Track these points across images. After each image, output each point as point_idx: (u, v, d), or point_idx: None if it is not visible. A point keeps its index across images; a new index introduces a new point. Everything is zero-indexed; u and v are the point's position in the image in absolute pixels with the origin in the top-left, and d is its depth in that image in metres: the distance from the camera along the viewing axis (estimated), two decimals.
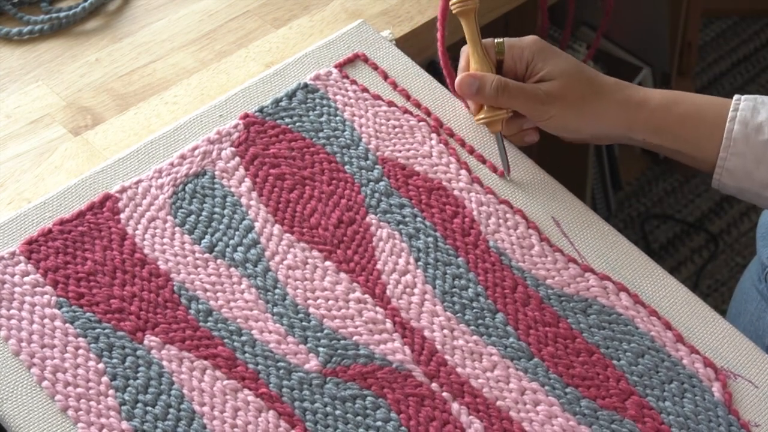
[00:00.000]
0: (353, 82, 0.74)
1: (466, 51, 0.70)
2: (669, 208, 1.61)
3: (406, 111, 0.72)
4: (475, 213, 0.67)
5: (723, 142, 0.64)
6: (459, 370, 0.60)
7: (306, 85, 0.73)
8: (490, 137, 0.72)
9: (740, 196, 0.68)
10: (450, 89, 0.74)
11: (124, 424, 0.57)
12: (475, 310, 0.63)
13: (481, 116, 0.69)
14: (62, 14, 0.83)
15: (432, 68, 0.98)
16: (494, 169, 0.70)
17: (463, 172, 0.69)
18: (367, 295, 0.63)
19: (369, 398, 0.59)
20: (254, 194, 0.68)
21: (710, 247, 1.57)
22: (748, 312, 0.80)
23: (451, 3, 0.68)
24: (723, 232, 1.59)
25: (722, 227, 1.59)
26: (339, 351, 0.61)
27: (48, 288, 0.62)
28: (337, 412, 0.58)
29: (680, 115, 0.65)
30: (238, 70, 0.79)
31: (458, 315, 0.63)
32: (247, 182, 0.68)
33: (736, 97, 0.66)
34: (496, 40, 0.68)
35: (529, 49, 0.67)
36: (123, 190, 0.67)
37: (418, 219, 0.67)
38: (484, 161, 0.70)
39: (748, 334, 0.79)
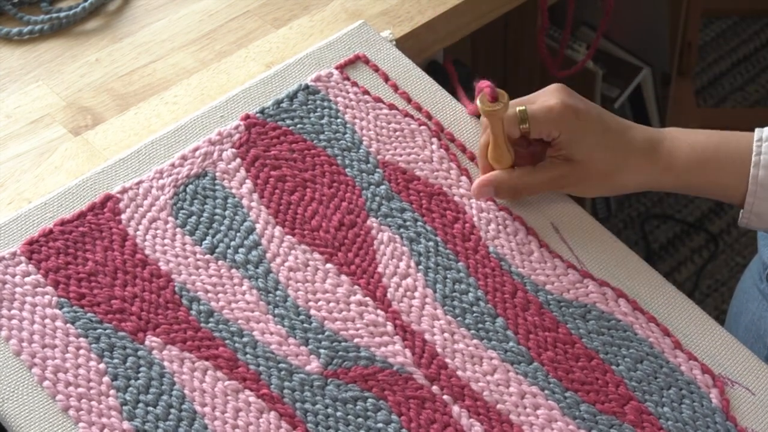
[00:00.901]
0: (354, 83, 0.74)
1: (485, 126, 0.66)
2: (669, 208, 1.61)
3: (407, 114, 0.72)
4: (475, 219, 0.67)
5: (749, 188, 0.64)
6: (459, 373, 0.60)
7: (307, 87, 0.73)
8: None
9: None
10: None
11: (126, 425, 0.58)
12: (475, 314, 0.63)
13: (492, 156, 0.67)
14: (62, 14, 0.83)
15: (432, 68, 0.98)
16: None
17: (464, 178, 0.69)
18: (368, 298, 0.63)
19: (370, 400, 0.59)
20: (255, 196, 0.68)
21: (710, 247, 1.57)
22: (749, 311, 0.80)
23: (481, 110, 0.64)
24: (723, 232, 1.59)
25: (722, 227, 1.59)
26: (340, 353, 0.61)
27: (49, 288, 0.62)
28: (338, 414, 0.59)
29: (706, 176, 0.65)
30: (239, 70, 0.79)
31: (458, 319, 0.63)
32: (248, 184, 0.68)
33: (756, 139, 0.65)
34: (518, 110, 0.64)
35: (556, 128, 0.64)
36: (124, 190, 0.67)
37: (419, 223, 0.67)
38: None
39: (749, 333, 0.79)
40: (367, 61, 0.75)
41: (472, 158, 0.71)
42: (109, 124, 0.75)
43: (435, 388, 0.60)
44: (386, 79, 0.74)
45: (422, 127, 0.72)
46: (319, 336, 0.62)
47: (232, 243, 0.65)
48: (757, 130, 0.66)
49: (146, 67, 0.80)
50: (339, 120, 0.72)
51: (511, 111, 0.64)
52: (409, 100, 0.73)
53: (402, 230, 0.67)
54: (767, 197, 0.64)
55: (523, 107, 0.64)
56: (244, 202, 0.67)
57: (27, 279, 0.63)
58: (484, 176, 0.67)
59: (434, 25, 0.83)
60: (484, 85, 0.63)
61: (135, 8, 0.85)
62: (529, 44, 1.21)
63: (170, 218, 0.66)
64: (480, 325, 0.62)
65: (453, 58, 1.01)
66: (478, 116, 0.71)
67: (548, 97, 0.65)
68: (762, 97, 1.74)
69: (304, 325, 0.62)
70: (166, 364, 0.60)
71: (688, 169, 0.65)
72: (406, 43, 0.81)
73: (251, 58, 0.80)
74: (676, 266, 1.54)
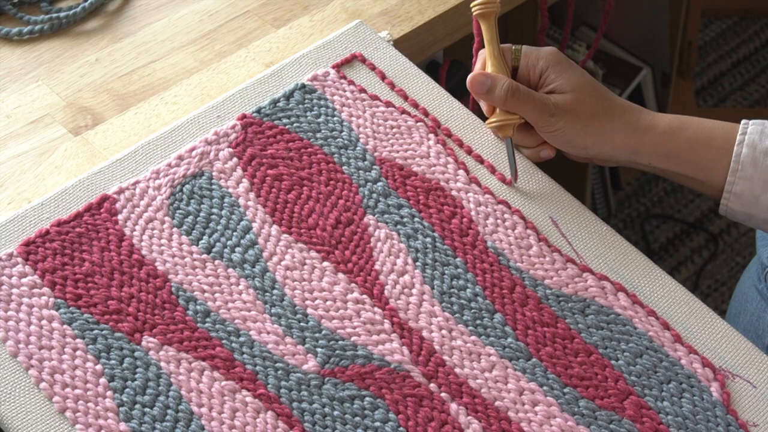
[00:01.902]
0: (351, 82, 0.74)
1: (483, 53, 0.69)
2: (669, 208, 1.61)
3: (403, 111, 0.72)
4: (473, 213, 0.67)
5: (731, 166, 0.64)
6: (457, 370, 0.60)
7: (303, 86, 0.73)
8: (488, 138, 0.72)
9: (748, 222, 0.68)
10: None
11: (122, 426, 0.57)
12: (473, 311, 0.63)
13: (493, 120, 0.68)
14: (62, 14, 0.83)
15: (432, 68, 0.98)
16: (492, 170, 0.70)
17: (461, 172, 0.69)
18: (365, 296, 0.63)
19: (367, 399, 0.59)
20: (252, 195, 0.68)
21: (710, 247, 1.57)
22: (748, 312, 0.80)
23: (471, 5, 0.68)
24: (723, 232, 1.59)
25: (722, 227, 1.59)
26: (337, 351, 0.61)
27: (46, 289, 0.62)
28: (336, 413, 0.58)
29: (688, 139, 0.65)
30: (239, 70, 0.79)
31: (456, 315, 0.62)
32: (245, 183, 0.68)
33: (744, 121, 0.66)
34: (513, 47, 0.69)
35: (545, 60, 0.67)
36: (120, 191, 0.67)
37: (416, 219, 0.67)
38: (482, 161, 0.70)
39: (748, 333, 0.79)
40: (363, 60, 0.75)
41: (470, 152, 0.71)
42: (109, 124, 0.75)
43: (433, 386, 0.60)
44: (383, 77, 0.74)
45: (419, 124, 0.72)
46: (316, 335, 0.61)
47: (229, 242, 0.65)
48: (743, 120, 0.66)
49: (146, 67, 0.80)
50: (335, 118, 0.72)
51: (507, 47, 0.68)
52: (405, 98, 0.73)
53: (399, 227, 0.66)
54: (748, 177, 0.64)
55: (519, 46, 0.68)
56: (241, 201, 0.67)
57: (24, 280, 0.63)
58: (485, 70, 0.68)
59: (434, 25, 0.83)
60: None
61: (135, 8, 0.85)
62: (529, 44, 1.20)
63: (167, 218, 0.66)
64: (478, 321, 0.62)
65: (452, 59, 1.01)
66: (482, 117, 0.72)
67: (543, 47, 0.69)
68: (762, 97, 1.74)
69: (301, 324, 0.62)
70: (162, 364, 0.59)
71: (669, 132, 0.65)
72: (405, 43, 0.81)
73: (251, 58, 0.80)
74: (676, 266, 1.54)
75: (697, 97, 1.70)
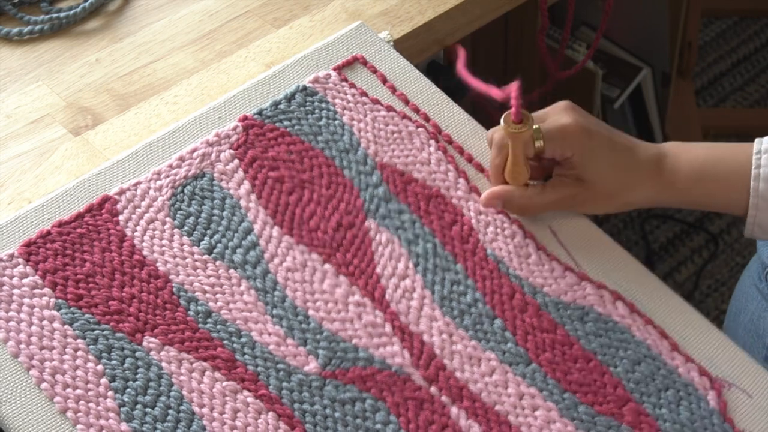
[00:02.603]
0: (352, 85, 0.74)
1: (503, 150, 0.66)
2: (669, 208, 1.61)
3: (404, 116, 0.72)
4: (473, 221, 0.67)
5: (750, 201, 0.65)
6: (458, 374, 0.60)
7: (305, 88, 0.73)
8: (488, 146, 0.71)
9: None
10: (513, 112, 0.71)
11: (124, 426, 0.58)
12: (473, 316, 0.63)
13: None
14: (62, 14, 0.83)
15: (431, 69, 0.97)
16: None
17: (462, 181, 0.69)
18: (366, 299, 0.63)
19: (368, 401, 0.59)
20: (253, 196, 0.68)
21: (710, 247, 1.57)
22: (749, 311, 0.80)
23: (504, 126, 0.64)
24: (723, 232, 1.59)
25: (722, 227, 1.59)
26: (338, 354, 0.61)
27: (47, 290, 0.62)
28: (337, 415, 0.59)
29: (707, 191, 0.66)
30: (239, 70, 0.79)
31: (457, 320, 0.63)
32: (246, 184, 0.68)
33: (756, 152, 0.65)
34: (533, 129, 0.64)
35: (569, 146, 0.65)
36: (121, 192, 0.67)
37: (417, 225, 0.67)
38: (482, 170, 0.70)
39: (749, 333, 0.79)
40: (365, 63, 0.75)
41: (470, 160, 0.71)
42: (109, 124, 0.75)
43: (433, 389, 0.60)
44: (384, 80, 0.74)
45: (420, 129, 0.72)
46: (318, 336, 0.61)
47: (230, 243, 0.65)
48: (756, 141, 0.66)
49: (146, 67, 0.80)
50: (337, 121, 0.72)
51: (527, 134, 0.64)
52: (406, 102, 0.73)
53: (400, 231, 0.67)
54: None
55: (537, 126, 0.65)
56: (242, 202, 0.67)
57: (25, 280, 0.63)
58: (495, 188, 0.67)
59: (434, 25, 0.83)
60: (512, 103, 0.63)
61: (135, 8, 0.85)
62: (529, 44, 1.20)
63: (168, 219, 0.66)
64: (478, 326, 0.62)
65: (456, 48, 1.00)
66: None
67: (560, 115, 0.65)
68: (762, 97, 1.74)
69: (303, 325, 0.62)
70: (164, 365, 0.60)
71: (689, 186, 0.66)
72: (405, 44, 0.81)
73: (251, 58, 0.80)
74: (676, 266, 1.54)
75: (697, 97, 1.70)
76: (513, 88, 0.62)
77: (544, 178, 0.68)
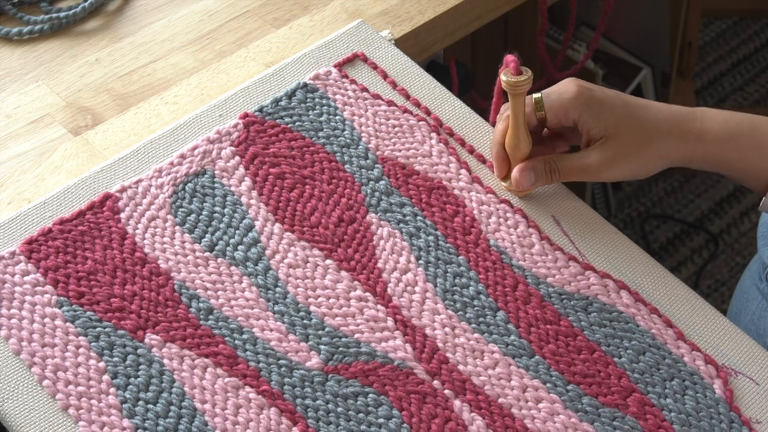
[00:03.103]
0: (353, 81, 0.74)
1: (504, 118, 0.66)
2: (669, 208, 1.61)
3: (405, 110, 0.72)
4: (475, 212, 0.67)
5: None
6: (460, 367, 0.60)
7: (305, 85, 0.73)
8: (490, 137, 0.72)
9: None
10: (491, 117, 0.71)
11: (126, 422, 0.57)
12: (476, 308, 0.63)
13: (511, 186, 0.67)
14: (62, 14, 0.83)
15: (432, 68, 0.98)
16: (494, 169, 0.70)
17: (463, 171, 0.69)
18: (368, 293, 0.63)
19: (371, 396, 0.59)
20: (254, 193, 0.68)
21: (710, 247, 1.57)
22: (749, 311, 0.80)
23: (505, 84, 0.63)
24: (723, 232, 1.59)
25: (722, 227, 1.59)
26: (340, 349, 0.61)
27: (48, 287, 0.62)
28: (339, 410, 0.58)
29: (738, 148, 0.64)
30: (238, 70, 0.79)
31: (459, 313, 0.63)
32: (247, 181, 0.68)
33: None
34: (534, 97, 0.64)
35: (573, 107, 0.64)
36: (123, 189, 0.67)
37: (419, 218, 0.67)
38: (484, 161, 0.70)
39: (749, 333, 0.79)
40: (365, 59, 0.75)
41: (472, 151, 0.71)
42: (109, 124, 0.75)
43: (436, 383, 0.60)
44: (385, 76, 0.74)
45: (421, 123, 0.72)
46: (320, 332, 0.61)
47: (232, 240, 0.65)
48: None
49: (146, 67, 0.80)
50: (338, 117, 0.72)
51: (527, 99, 0.64)
52: (407, 97, 0.73)
53: (402, 225, 0.66)
54: None
55: (539, 95, 0.64)
56: (243, 199, 0.67)
57: (26, 278, 0.63)
58: (521, 164, 0.66)
59: (434, 25, 0.83)
60: (509, 59, 0.63)
61: (135, 8, 0.85)
62: (529, 44, 1.21)
63: (169, 216, 0.66)
64: (481, 319, 0.62)
65: (454, 58, 1.01)
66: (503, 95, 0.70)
67: (562, 85, 0.65)
68: (762, 97, 1.74)
69: (304, 321, 0.62)
70: (165, 361, 0.60)
71: (719, 141, 0.64)
72: (406, 43, 0.81)
73: (251, 57, 0.80)
74: (676, 266, 1.54)
75: (697, 97, 1.70)
76: (510, 57, 0.62)
77: None
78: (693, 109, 0.66)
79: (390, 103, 0.73)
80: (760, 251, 0.78)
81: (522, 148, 0.65)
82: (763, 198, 0.66)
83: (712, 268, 1.55)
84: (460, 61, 1.02)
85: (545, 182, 0.66)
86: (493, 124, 0.69)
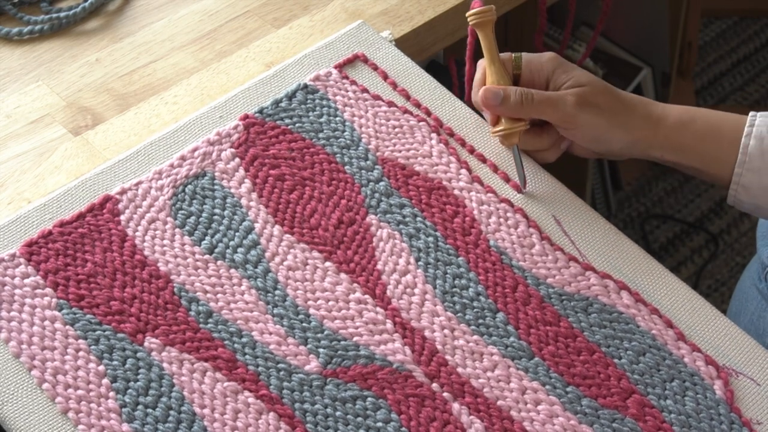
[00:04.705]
0: (353, 82, 0.74)
1: (482, 64, 0.69)
2: (669, 208, 1.61)
3: (406, 111, 0.72)
4: (475, 212, 0.67)
5: (738, 158, 0.64)
6: (459, 370, 0.60)
7: (306, 86, 0.73)
8: (490, 137, 0.72)
9: (757, 213, 0.68)
10: (466, 97, 0.73)
11: (125, 426, 0.57)
12: (475, 310, 0.63)
13: (499, 128, 0.68)
14: (62, 14, 0.83)
15: (432, 68, 0.98)
16: (495, 169, 0.70)
17: (464, 171, 0.69)
18: (367, 296, 0.63)
19: (369, 399, 0.59)
20: (254, 195, 0.68)
21: (710, 247, 1.57)
22: (749, 311, 0.80)
23: (467, 14, 0.67)
24: (723, 232, 1.59)
25: (722, 227, 1.59)
26: (339, 352, 0.61)
27: (48, 290, 0.62)
28: (338, 413, 0.58)
29: (697, 132, 0.65)
30: (238, 70, 0.79)
31: (459, 315, 0.62)
32: (247, 183, 0.68)
33: (751, 113, 0.66)
34: (513, 55, 0.68)
35: (549, 64, 0.67)
36: (123, 191, 0.67)
37: (419, 219, 0.67)
38: (484, 160, 0.70)
39: (749, 333, 0.79)
40: (365, 60, 0.75)
41: (472, 151, 0.71)
42: (109, 124, 0.75)
43: (435, 386, 0.60)
44: (385, 77, 0.74)
45: (421, 123, 0.72)
46: (319, 335, 0.61)
47: (231, 243, 0.65)
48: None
49: (146, 67, 0.80)
50: (338, 118, 0.72)
51: (506, 56, 0.68)
52: (408, 97, 0.73)
53: (401, 226, 0.66)
54: (756, 168, 0.64)
55: (519, 54, 0.68)
56: (243, 201, 0.67)
57: (26, 280, 0.63)
58: (492, 85, 0.67)
59: (434, 25, 0.83)
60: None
61: (135, 8, 0.85)
62: (529, 44, 1.20)
63: (169, 219, 0.66)
64: (480, 321, 0.62)
65: (454, 58, 1.01)
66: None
67: (541, 53, 0.69)
68: (762, 97, 1.74)
69: (303, 324, 0.62)
70: (165, 365, 0.60)
71: (678, 125, 0.66)
72: (406, 43, 0.81)
73: (251, 58, 0.80)
74: (676, 266, 1.54)
75: (697, 97, 1.70)
76: None
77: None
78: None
79: (390, 103, 0.73)
80: (759, 251, 0.78)
81: (503, 83, 0.67)
82: (729, 191, 0.66)
83: (712, 268, 1.54)
84: (459, 61, 1.02)
85: (516, 107, 0.66)
86: (469, 99, 0.71)
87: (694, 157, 0.66)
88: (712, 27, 1.81)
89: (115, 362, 0.59)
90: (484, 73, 0.68)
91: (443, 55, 1.02)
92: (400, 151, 0.70)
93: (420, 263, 0.65)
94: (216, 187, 0.68)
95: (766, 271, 0.77)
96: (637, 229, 1.58)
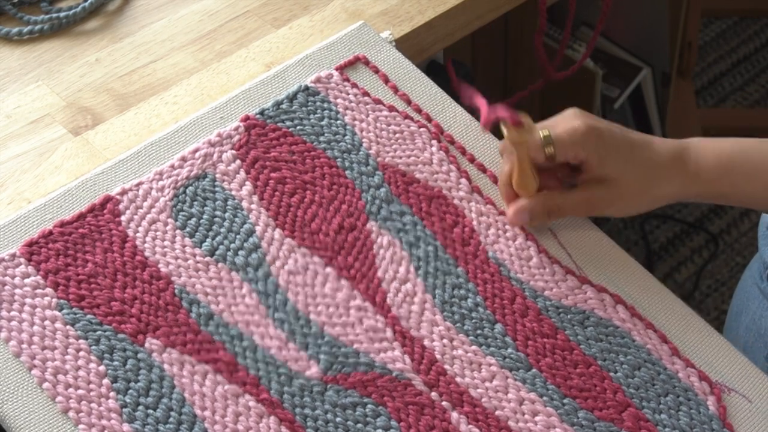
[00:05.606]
0: (354, 85, 0.74)
1: (508, 157, 0.66)
2: (669, 208, 1.61)
3: (407, 116, 0.72)
4: (474, 223, 0.67)
5: None
6: (458, 379, 0.61)
7: (307, 88, 0.73)
8: (490, 146, 0.72)
9: None
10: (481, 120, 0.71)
11: (125, 426, 0.58)
12: (474, 320, 0.63)
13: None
14: (62, 14, 0.82)
15: (432, 69, 0.98)
16: (494, 180, 0.70)
17: (464, 181, 0.69)
18: (367, 303, 0.63)
19: (369, 406, 0.59)
20: (255, 198, 0.68)
21: (710, 247, 1.57)
22: (750, 310, 0.80)
23: (506, 134, 0.63)
24: (723, 232, 1.59)
25: (722, 227, 1.59)
26: (340, 358, 0.61)
27: (48, 290, 0.62)
28: (338, 420, 0.59)
29: (734, 185, 0.66)
30: (238, 70, 0.79)
31: (457, 325, 0.63)
32: (248, 185, 0.68)
33: None
34: (542, 134, 0.64)
35: (583, 148, 0.64)
36: (123, 192, 0.67)
37: (419, 227, 0.67)
38: (484, 170, 0.70)
39: (750, 332, 0.80)
40: (367, 63, 0.75)
41: (472, 160, 0.71)
42: (109, 124, 0.75)
43: (434, 395, 0.60)
44: (386, 80, 0.74)
45: (422, 129, 0.72)
46: (319, 341, 0.62)
47: (232, 245, 0.65)
48: None
49: (146, 67, 0.80)
50: (339, 122, 0.72)
51: (535, 136, 0.64)
52: (409, 102, 0.73)
53: (402, 234, 0.67)
54: None
55: (547, 131, 0.64)
56: (244, 204, 0.67)
57: (26, 280, 0.63)
58: (518, 203, 0.66)
59: (434, 25, 0.83)
60: (504, 114, 0.62)
61: (135, 8, 0.85)
62: (529, 44, 1.20)
63: (170, 220, 0.66)
64: (479, 331, 0.62)
65: (453, 58, 1.01)
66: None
67: (569, 120, 0.65)
68: (762, 97, 1.74)
69: (304, 329, 0.62)
70: (166, 366, 0.60)
71: (715, 178, 0.65)
72: (405, 43, 0.81)
73: (251, 58, 0.80)
74: (676, 266, 1.54)
75: (697, 97, 1.70)
76: (502, 111, 0.62)
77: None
78: (686, 142, 0.67)
79: (391, 108, 0.73)
80: (760, 251, 0.78)
81: (530, 188, 0.66)
82: None
83: (712, 268, 1.55)
84: (459, 61, 1.02)
85: (543, 221, 0.67)
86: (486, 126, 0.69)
87: (731, 202, 0.68)
88: (712, 27, 1.81)
89: (115, 362, 0.60)
90: (511, 170, 0.66)
91: (443, 55, 1.02)
92: (400, 158, 0.70)
93: (420, 272, 0.65)
94: (217, 189, 0.68)
95: (767, 271, 0.77)
96: (637, 229, 1.58)
